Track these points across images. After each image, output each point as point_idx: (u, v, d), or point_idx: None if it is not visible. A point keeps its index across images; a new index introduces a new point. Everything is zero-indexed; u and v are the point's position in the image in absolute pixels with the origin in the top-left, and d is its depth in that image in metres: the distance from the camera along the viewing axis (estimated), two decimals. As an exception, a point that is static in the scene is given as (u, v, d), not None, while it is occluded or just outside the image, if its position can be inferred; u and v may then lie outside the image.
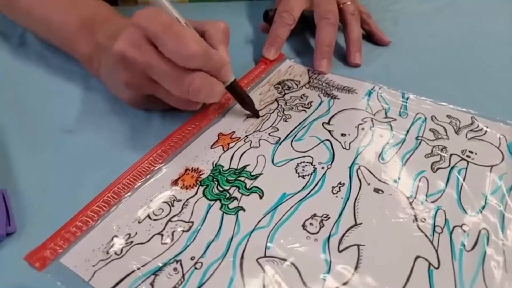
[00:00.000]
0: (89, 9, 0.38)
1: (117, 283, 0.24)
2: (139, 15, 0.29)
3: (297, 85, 0.41)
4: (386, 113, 0.38)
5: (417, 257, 0.26)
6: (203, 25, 0.34)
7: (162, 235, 0.27)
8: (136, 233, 0.27)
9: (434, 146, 0.34)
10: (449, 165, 0.33)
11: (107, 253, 0.26)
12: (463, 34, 0.51)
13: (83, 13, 0.38)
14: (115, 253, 0.26)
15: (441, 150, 0.34)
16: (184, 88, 0.30)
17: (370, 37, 0.49)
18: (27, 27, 0.44)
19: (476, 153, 0.34)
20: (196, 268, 0.25)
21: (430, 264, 0.26)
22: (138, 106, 0.37)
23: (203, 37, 0.33)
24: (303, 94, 0.40)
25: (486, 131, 0.36)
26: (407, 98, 0.40)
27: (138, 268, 0.25)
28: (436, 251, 0.27)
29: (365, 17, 0.49)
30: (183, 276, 0.25)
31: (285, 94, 0.40)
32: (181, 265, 0.25)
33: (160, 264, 0.25)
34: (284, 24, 0.45)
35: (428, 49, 0.48)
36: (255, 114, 0.37)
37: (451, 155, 0.34)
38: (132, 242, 0.26)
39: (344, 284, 0.25)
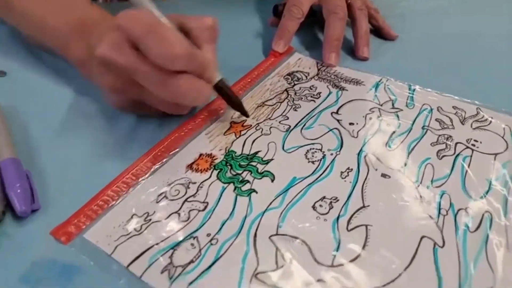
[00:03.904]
0: (81, 12, 0.37)
1: (138, 256, 0.26)
2: (121, 17, 0.28)
3: (306, 76, 0.43)
4: (393, 104, 0.39)
5: (423, 237, 0.27)
6: (188, 22, 0.33)
7: (179, 214, 0.28)
8: (154, 212, 0.28)
9: (439, 135, 0.36)
10: (454, 153, 0.34)
11: (127, 230, 0.27)
12: (470, 30, 0.52)
13: (75, 16, 0.36)
14: (135, 229, 0.27)
15: (447, 138, 0.35)
16: (170, 91, 0.29)
17: (377, 31, 0.50)
18: (22, 30, 0.42)
19: (481, 142, 0.35)
20: (212, 244, 0.26)
21: (435, 243, 0.27)
22: (126, 111, 0.36)
23: (188, 36, 0.32)
24: (312, 85, 0.41)
25: (490, 121, 0.37)
26: (414, 90, 0.41)
27: (157, 243, 0.26)
28: (441, 231, 0.28)
29: (372, 12, 0.50)
30: (200, 250, 0.26)
31: (294, 84, 0.41)
32: (197, 241, 0.27)
33: (178, 240, 0.27)
34: (293, 18, 0.46)
35: (435, 45, 0.49)
36: (244, 114, 0.36)
37: (456, 143, 0.35)
38: (150, 220, 0.28)
39: (352, 260, 0.26)
